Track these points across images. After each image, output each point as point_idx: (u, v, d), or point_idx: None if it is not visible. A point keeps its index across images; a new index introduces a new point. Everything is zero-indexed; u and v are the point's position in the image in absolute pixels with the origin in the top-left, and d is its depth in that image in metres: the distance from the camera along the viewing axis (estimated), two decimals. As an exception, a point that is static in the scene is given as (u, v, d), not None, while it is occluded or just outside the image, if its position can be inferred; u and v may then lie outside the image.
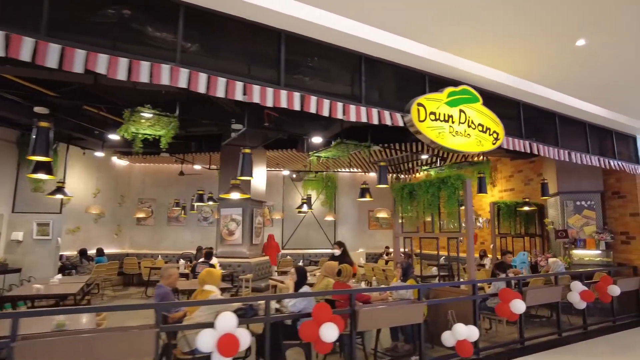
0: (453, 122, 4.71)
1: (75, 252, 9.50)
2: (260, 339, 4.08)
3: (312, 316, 3.71)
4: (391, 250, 13.56)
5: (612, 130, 7.14)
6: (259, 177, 9.90)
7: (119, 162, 12.06)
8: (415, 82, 4.71)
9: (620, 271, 7.57)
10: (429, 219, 5.88)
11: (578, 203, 7.88)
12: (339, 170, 13.12)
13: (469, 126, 4.85)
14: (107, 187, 11.55)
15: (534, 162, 9.34)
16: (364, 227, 14.18)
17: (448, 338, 4.42)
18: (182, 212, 11.66)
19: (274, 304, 4.01)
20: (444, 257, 8.76)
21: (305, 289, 4.19)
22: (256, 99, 3.51)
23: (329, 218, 12.09)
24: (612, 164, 6.83)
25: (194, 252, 10.44)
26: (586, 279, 7.01)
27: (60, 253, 9.03)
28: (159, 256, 11.11)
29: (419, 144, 9.13)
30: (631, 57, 4.78)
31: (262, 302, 4.13)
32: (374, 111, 4.23)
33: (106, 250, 11.63)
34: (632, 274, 7.34)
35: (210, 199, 10.12)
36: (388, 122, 4.29)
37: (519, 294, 5.15)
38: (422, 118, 4.43)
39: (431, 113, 4.52)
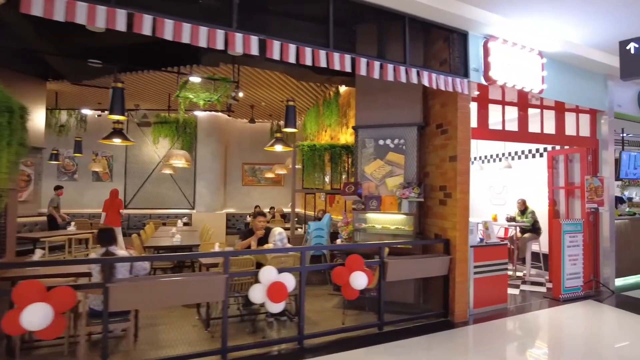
0: None
1: None
2: None
3: None
4: (266, 210, 11.20)
5: (407, 15, 4.26)
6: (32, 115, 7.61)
7: None
8: None
9: (432, 247, 4.96)
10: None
11: (381, 142, 5.14)
12: (195, 110, 10.56)
13: None
14: None
15: (373, 89, 6.51)
16: (236, 183, 11.75)
17: None
18: None
19: None
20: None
21: None
22: None
23: (167, 171, 9.70)
24: (397, 72, 4.05)
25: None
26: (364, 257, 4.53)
27: None
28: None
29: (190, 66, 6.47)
30: None
31: None
32: None
33: None
34: (443, 250, 4.73)
35: None
36: None
37: (101, 289, 2.72)
38: None
39: None
